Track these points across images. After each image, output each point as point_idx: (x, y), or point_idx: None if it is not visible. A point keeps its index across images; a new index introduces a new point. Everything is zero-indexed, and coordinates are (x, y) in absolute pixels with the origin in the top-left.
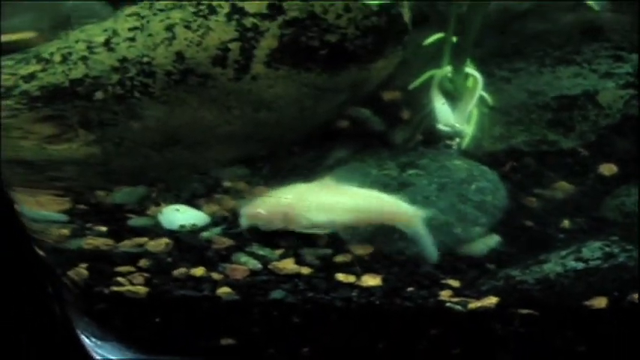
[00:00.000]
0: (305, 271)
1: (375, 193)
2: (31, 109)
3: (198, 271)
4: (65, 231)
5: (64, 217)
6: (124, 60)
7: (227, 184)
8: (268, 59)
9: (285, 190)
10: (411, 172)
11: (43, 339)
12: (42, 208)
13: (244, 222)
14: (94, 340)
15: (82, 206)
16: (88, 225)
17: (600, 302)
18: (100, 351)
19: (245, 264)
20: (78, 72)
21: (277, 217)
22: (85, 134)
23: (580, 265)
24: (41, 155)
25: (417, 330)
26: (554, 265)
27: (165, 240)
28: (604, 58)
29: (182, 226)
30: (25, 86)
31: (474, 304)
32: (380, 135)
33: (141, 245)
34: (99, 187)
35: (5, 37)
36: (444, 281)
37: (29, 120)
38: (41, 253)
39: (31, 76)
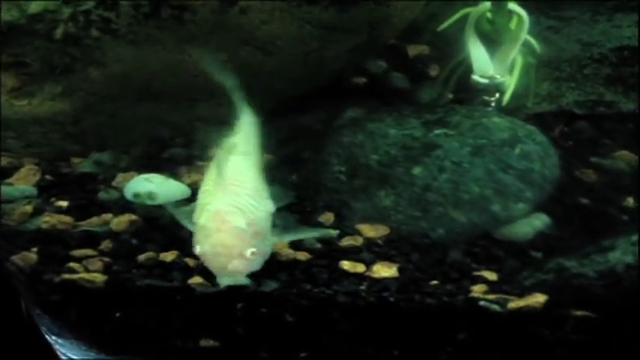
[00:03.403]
0: (302, 257)
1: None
2: None
3: (169, 255)
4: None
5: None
6: None
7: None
8: None
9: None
10: (438, 131)
11: (8, 336)
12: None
13: (227, 281)
14: (54, 337)
15: (48, 177)
16: (51, 200)
17: None
18: (62, 350)
19: None
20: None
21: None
22: (41, 87)
23: None
24: (12, 114)
25: (442, 334)
26: (622, 253)
27: (129, 217)
28: None
29: (136, 195)
30: None
31: (514, 303)
32: (402, 93)
33: (107, 223)
34: (60, 153)
35: None
36: (477, 273)
37: None
38: None
39: None
